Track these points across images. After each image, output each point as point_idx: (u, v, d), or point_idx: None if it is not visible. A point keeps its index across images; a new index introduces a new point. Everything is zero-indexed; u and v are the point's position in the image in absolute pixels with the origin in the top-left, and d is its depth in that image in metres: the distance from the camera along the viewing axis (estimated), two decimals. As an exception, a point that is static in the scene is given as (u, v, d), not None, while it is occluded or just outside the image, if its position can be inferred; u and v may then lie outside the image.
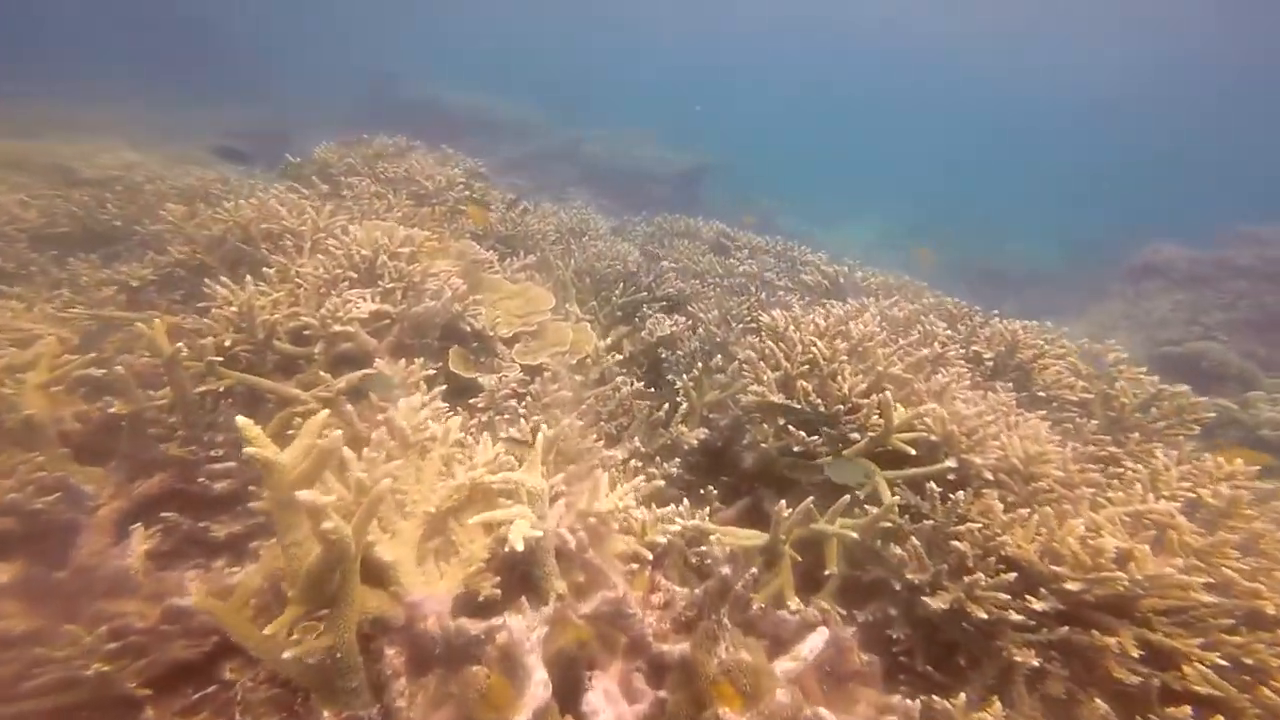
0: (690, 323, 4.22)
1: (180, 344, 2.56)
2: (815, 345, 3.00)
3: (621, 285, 4.67)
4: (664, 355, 4.00)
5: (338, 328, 2.91)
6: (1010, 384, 3.51)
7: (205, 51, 22.97)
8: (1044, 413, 3.30)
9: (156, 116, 15.72)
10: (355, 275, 3.42)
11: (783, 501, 2.45)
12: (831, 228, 22.86)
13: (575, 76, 33.10)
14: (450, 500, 1.98)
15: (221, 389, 2.74)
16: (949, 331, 3.73)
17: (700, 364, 3.61)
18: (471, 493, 2.03)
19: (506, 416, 3.14)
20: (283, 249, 3.54)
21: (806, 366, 3.02)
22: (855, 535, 2.33)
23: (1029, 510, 2.34)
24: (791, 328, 3.23)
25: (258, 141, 14.73)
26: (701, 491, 3.28)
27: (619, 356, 3.68)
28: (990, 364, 3.65)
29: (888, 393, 2.58)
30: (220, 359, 2.71)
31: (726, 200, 18.79)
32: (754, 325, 4.33)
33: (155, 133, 14.23)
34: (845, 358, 2.97)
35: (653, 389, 3.84)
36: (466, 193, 4.78)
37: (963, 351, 3.54)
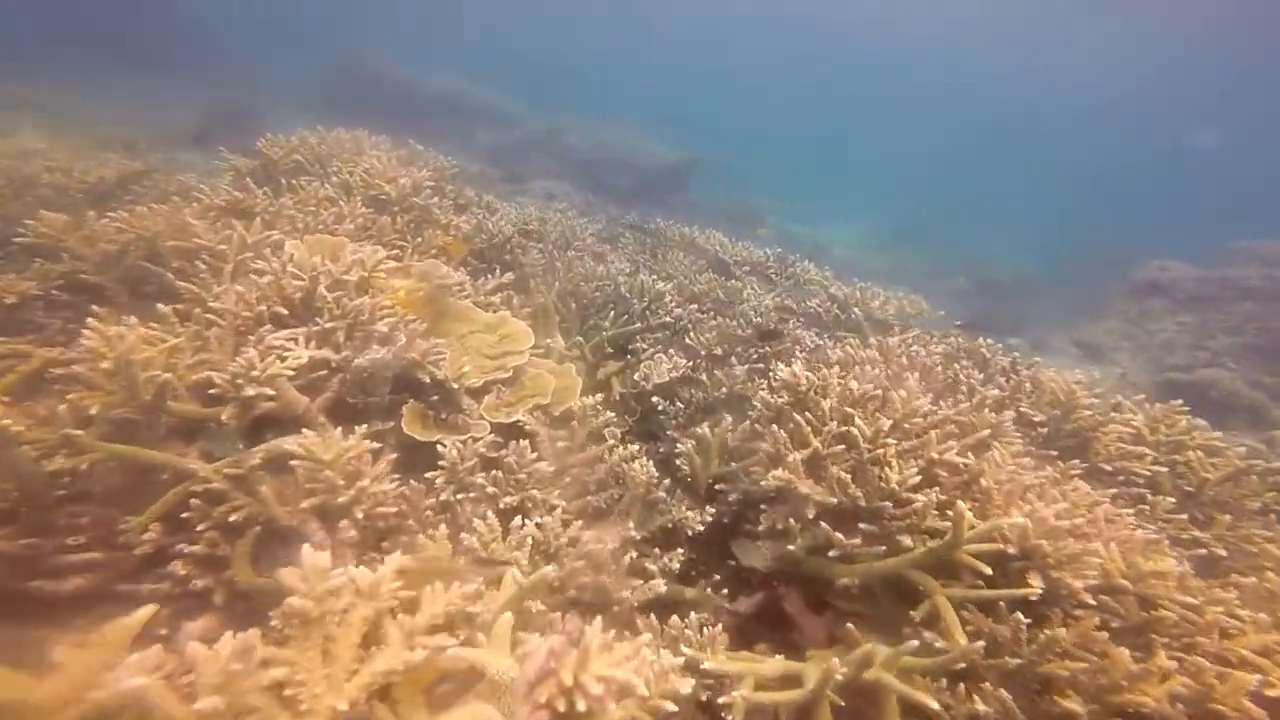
0: (691, 363, 3.64)
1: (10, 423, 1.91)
2: (854, 422, 2.44)
3: (612, 312, 4.07)
4: (660, 405, 3.41)
5: (252, 390, 2.26)
6: (1058, 452, 3.03)
7: (173, 27, 21.56)
8: (1114, 492, 2.81)
9: (117, 99, 14.52)
10: (287, 311, 2.76)
11: (830, 653, 1.89)
12: (820, 227, 22.50)
13: (559, 66, 32.09)
14: (372, 688, 1.38)
15: (85, 466, 2.09)
16: (994, 389, 3.20)
17: (706, 424, 3.03)
18: (410, 674, 1.43)
19: (472, 495, 2.53)
20: (196, 273, 2.86)
21: (840, 446, 2.46)
22: (933, 705, 1.78)
23: (1166, 651, 1.82)
24: (818, 393, 2.66)
25: (225, 123, 13.72)
26: (705, 583, 2.73)
27: (609, 414, 3.07)
28: (1043, 430, 3.14)
29: (960, 504, 2.02)
30: (81, 432, 2.05)
31: (716, 197, 18.23)
32: (763, 364, 3.79)
33: (106, 114, 13.17)
34: (890, 438, 2.42)
35: (646, 443, 3.28)
36: (435, 199, 4.10)
37: (1012, 414, 3.02)
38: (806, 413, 2.59)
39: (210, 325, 2.61)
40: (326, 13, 34.76)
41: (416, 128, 16.90)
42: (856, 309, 4.61)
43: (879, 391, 2.63)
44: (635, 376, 3.58)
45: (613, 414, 3.35)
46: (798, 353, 3.66)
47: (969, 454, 2.48)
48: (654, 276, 4.45)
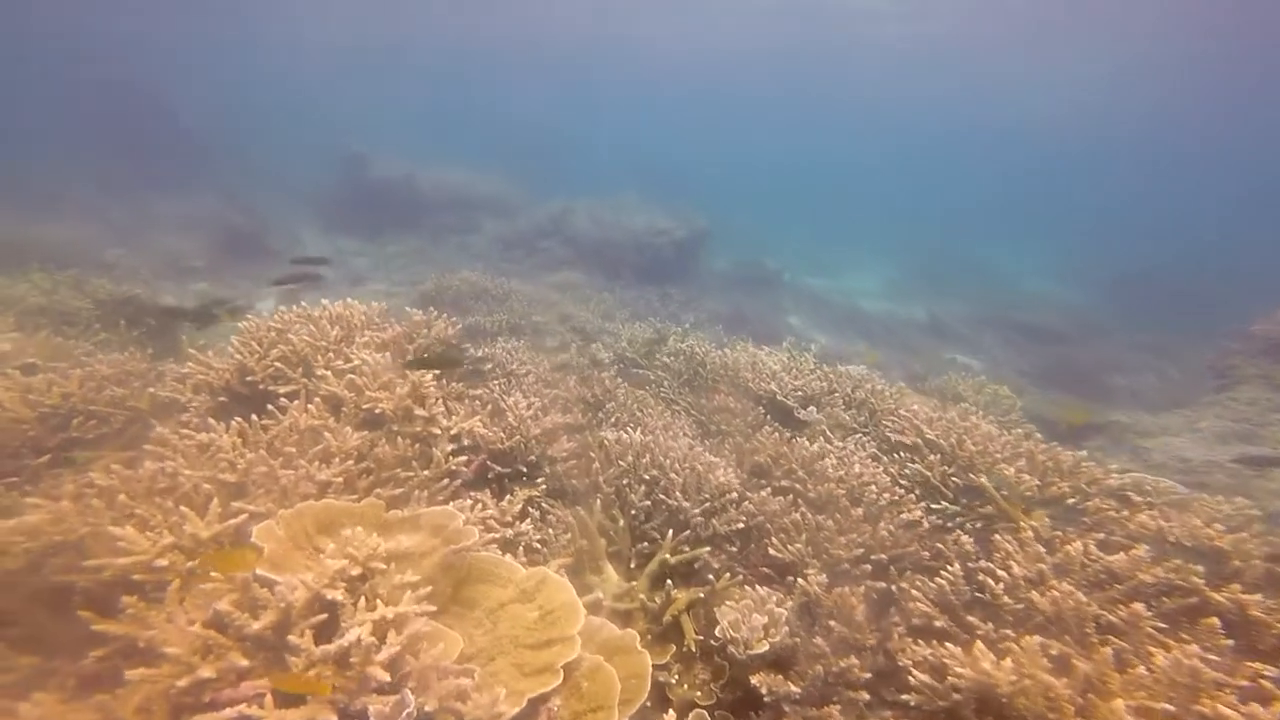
0: (788, 607, 2.79)
1: None
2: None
3: (670, 531, 3.26)
4: (766, 691, 2.55)
5: None
6: None
7: (178, 139, 21.84)
8: None
9: (122, 224, 14.44)
10: (245, 662, 1.99)
11: None
12: (837, 277, 21.86)
13: (552, 143, 32.48)
14: None
15: None
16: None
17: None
18: None
19: None
20: (123, 606, 2.11)
21: None
22: None
23: None
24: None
25: (230, 248, 13.51)
26: None
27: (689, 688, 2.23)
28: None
29: None
30: None
31: (730, 264, 17.68)
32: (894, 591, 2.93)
33: (109, 241, 13.01)
34: None
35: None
36: (440, 409, 3.35)
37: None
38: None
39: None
40: (329, 112, 35.81)
41: (425, 225, 16.62)
42: (979, 476, 3.66)
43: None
44: (716, 631, 2.74)
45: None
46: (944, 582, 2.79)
47: None
48: (711, 457, 3.65)
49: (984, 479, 3.43)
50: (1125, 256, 20.85)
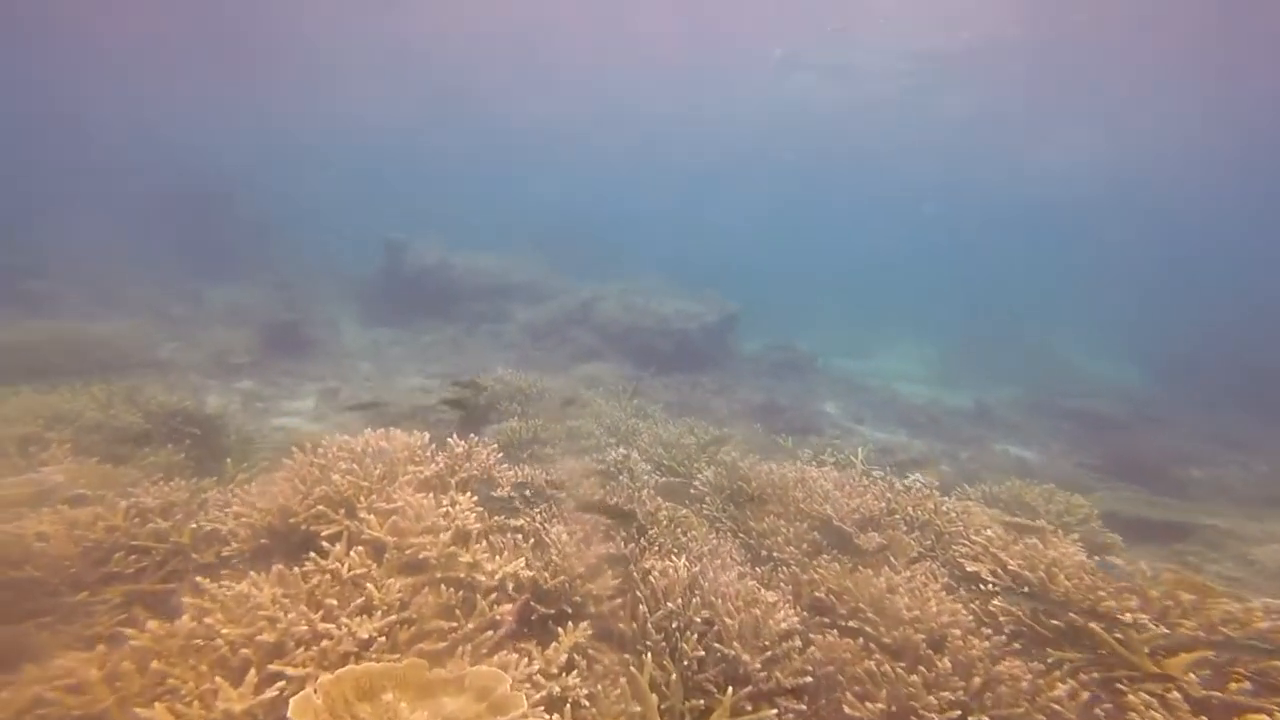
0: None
1: None
2: None
3: (725, 680, 3.00)
4: None
5: None
6: None
7: (228, 229, 22.94)
8: None
9: (177, 321, 15.13)
10: None
11: None
12: (870, 358, 21.62)
13: (581, 224, 33.68)
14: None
15: None
16: None
17: None
18: None
19: None
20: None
21: None
22: None
23: None
24: None
25: (279, 342, 14.02)
26: None
27: None
28: None
29: None
30: None
31: (760, 348, 17.65)
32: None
33: (162, 336, 13.61)
34: None
35: None
36: (484, 553, 3.22)
37: None
38: None
39: None
40: (373, 196, 37.98)
41: (459, 313, 16.98)
42: (1085, 619, 3.30)
43: None
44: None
45: None
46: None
47: None
48: (768, 595, 3.41)
49: (1094, 624, 3.09)
50: (1176, 333, 20.24)
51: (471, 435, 4.12)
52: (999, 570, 3.56)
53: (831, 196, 56.13)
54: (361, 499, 3.28)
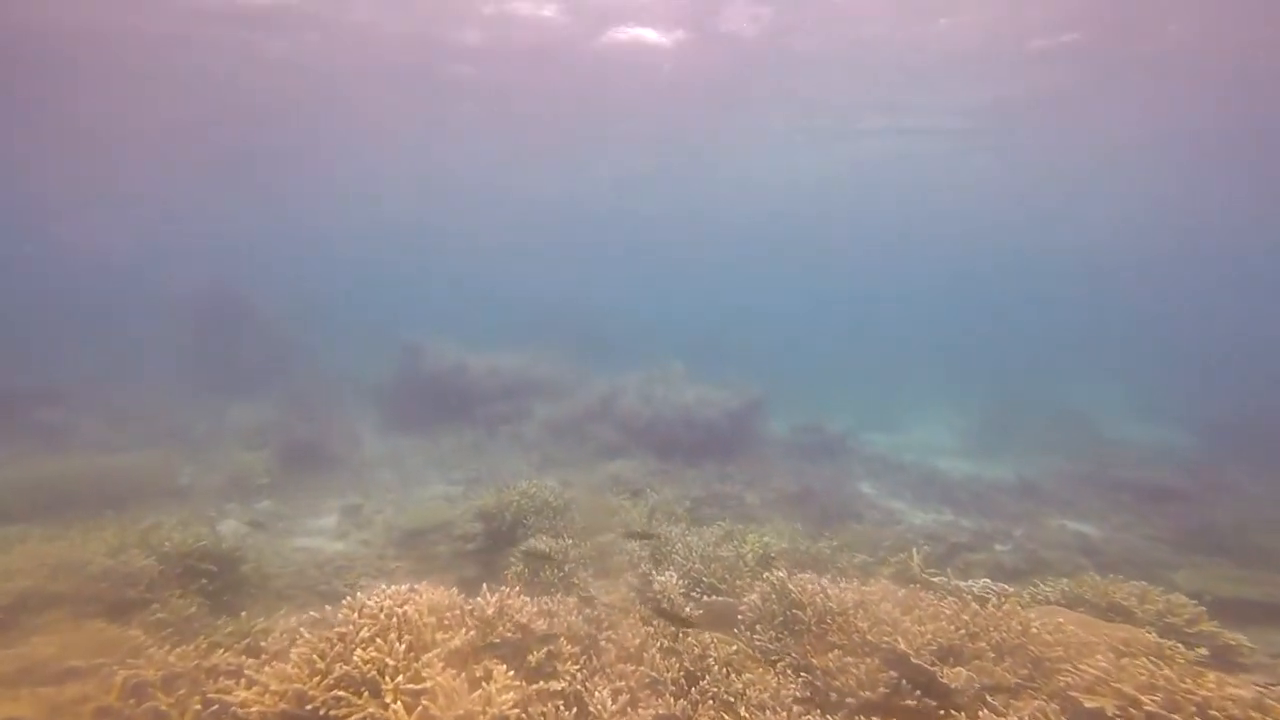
0: None
1: None
2: None
3: None
4: None
5: None
6: None
7: (251, 338, 23.08)
8: None
9: (201, 444, 15.05)
10: None
11: None
12: (902, 432, 20.98)
13: (596, 315, 34.08)
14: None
15: None
16: None
17: None
18: None
19: None
20: None
21: None
22: None
23: None
24: None
25: (298, 461, 13.85)
26: None
27: None
28: None
29: None
30: None
31: (788, 433, 17.16)
32: None
33: (179, 460, 13.49)
34: None
35: None
36: None
37: None
38: None
39: None
40: (388, 300, 38.89)
41: (479, 415, 16.73)
42: None
43: None
44: None
45: None
46: None
47: None
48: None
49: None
50: (1215, 393, 19.44)
51: (501, 587, 3.77)
52: (1129, 709, 3.03)
53: (842, 261, 56.87)
54: (387, 679, 2.91)
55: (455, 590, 3.59)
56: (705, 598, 5.46)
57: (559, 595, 5.16)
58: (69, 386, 17.96)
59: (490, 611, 3.50)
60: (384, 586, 3.67)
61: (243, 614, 5.06)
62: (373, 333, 26.92)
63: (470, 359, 18.37)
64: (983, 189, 27.56)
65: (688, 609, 4.84)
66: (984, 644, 3.71)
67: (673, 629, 4.09)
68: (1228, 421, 15.71)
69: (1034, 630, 3.73)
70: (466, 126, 21.85)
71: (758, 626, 4.52)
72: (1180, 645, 3.53)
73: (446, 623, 3.29)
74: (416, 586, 3.51)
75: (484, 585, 3.77)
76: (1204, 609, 4.67)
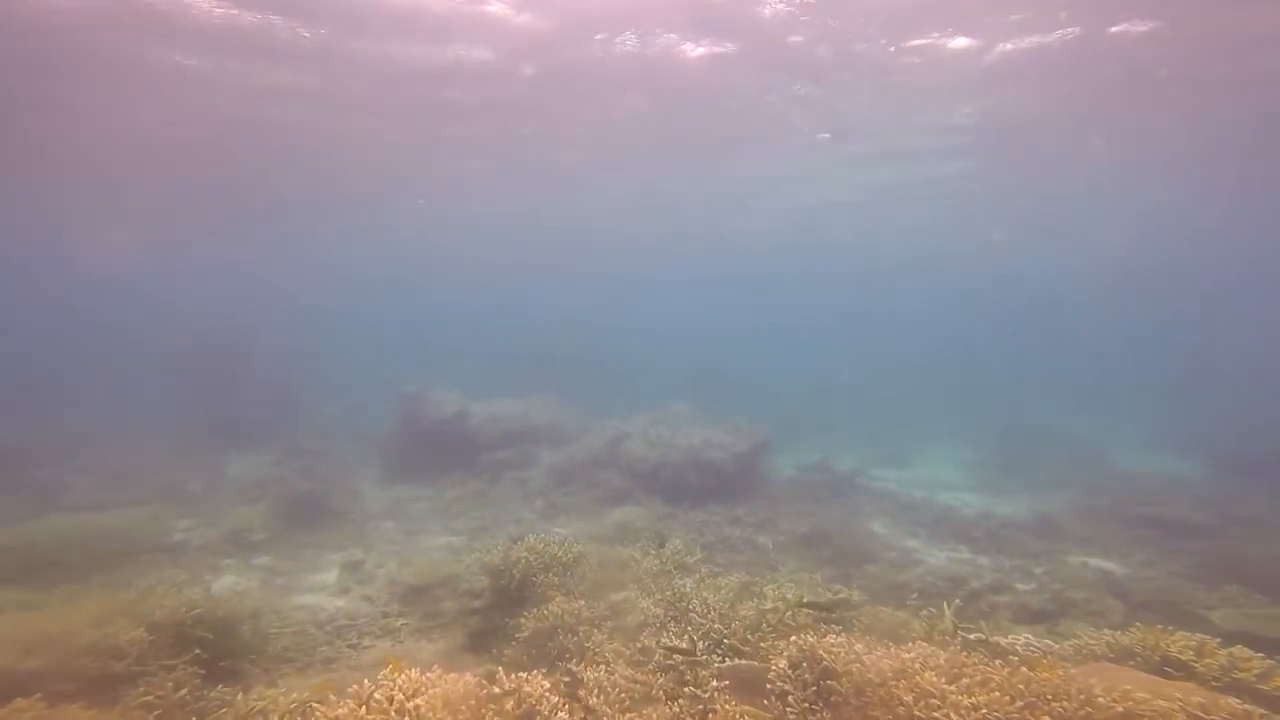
0: None
1: None
2: None
3: None
4: None
5: None
6: None
7: (251, 388, 22.66)
8: None
9: (191, 500, 14.64)
10: None
11: None
12: (909, 467, 20.65)
13: (599, 354, 33.90)
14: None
15: None
16: None
17: None
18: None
19: None
20: None
21: None
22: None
23: None
24: None
25: (291, 505, 13.47)
26: None
27: None
28: None
29: None
30: None
31: (796, 474, 16.83)
32: None
33: (173, 511, 13.08)
34: None
35: None
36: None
37: None
38: None
39: None
40: (387, 348, 38.61)
41: (482, 463, 16.36)
42: None
43: None
44: None
45: None
46: None
47: None
48: None
49: None
50: (1224, 423, 19.19)
51: (518, 674, 3.49)
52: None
53: (834, 296, 57.04)
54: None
55: (470, 677, 3.31)
56: (728, 661, 5.15)
57: (575, 662, 4.86)
58: (60, 442, 17.64)
59: (510, 705, 3.21)
60: (389, 650, 3.39)
61: (239, 695, 4.73)
62: (373, 380, 26.67)
63: (472, 406, 18.12)
64: (981, 213, 27.64)
65: (713, 684, 4.52)
66: (1046, 717, 3.42)
67: (700, 706, 3.79)
68: (1238, 452, 15.42)
69: (1099, 699, 3.44)
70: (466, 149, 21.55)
71: (790, 698, 4.21)
72: (1262, 712, 3.24)
73: (462, 716, 3.02)
74: (429, 674, 3.23)
75: (499, 670, 3.49)
76: (1275, 663, 4.35)
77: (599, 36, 13.27)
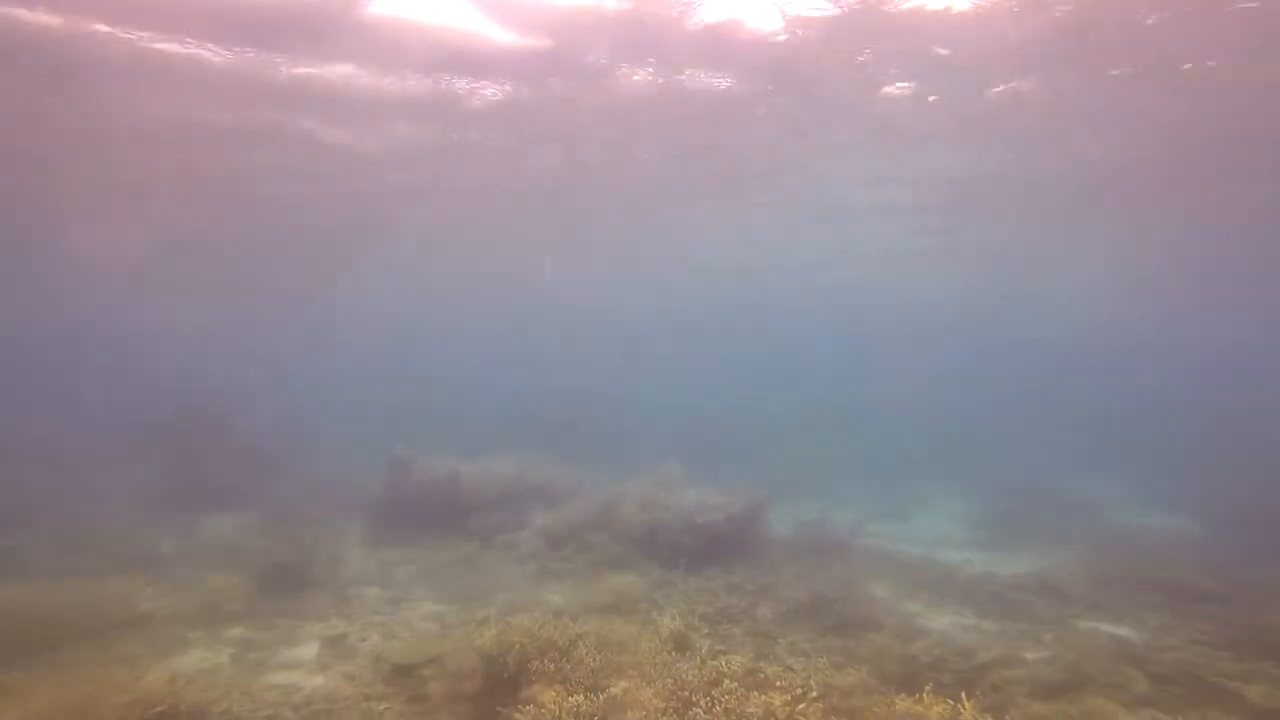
0: None
1: None
2: None
3: None
4: None
5: None
6: None
7: (229, 450, 22.08)
8: None
9: (174, 572, 13.93)
10: None
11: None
12: (905, 521, 20.41)
13: (590, 411, 33.70)
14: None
15: None
16: None
17: None
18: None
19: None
20: None
21: None
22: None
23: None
24: None
25: (270, 572, 12.86)
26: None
27: None
28: None
29: None
30: None
31: (793, 534, 16.52)
32: None
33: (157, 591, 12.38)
34: None
35: None
36: None
37: None
38: None
39: None
40: (374, 413, 37.96)
41: (473, 526, 15.83)
42: None
43: None
44: None
45: None
46: None
47: None
48: None
49: None
50: (1219, 477, 19.22)
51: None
52: None
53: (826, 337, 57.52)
54: None
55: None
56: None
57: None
58: (24, 508, 16.95)
59: None
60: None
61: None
62: (359, 441, 26.20)
63: (461, 467, 17.75)
64: (968, 271, 28.22)
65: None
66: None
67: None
68: (1237, 510, 15.34)
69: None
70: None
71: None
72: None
73: None
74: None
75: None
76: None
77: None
